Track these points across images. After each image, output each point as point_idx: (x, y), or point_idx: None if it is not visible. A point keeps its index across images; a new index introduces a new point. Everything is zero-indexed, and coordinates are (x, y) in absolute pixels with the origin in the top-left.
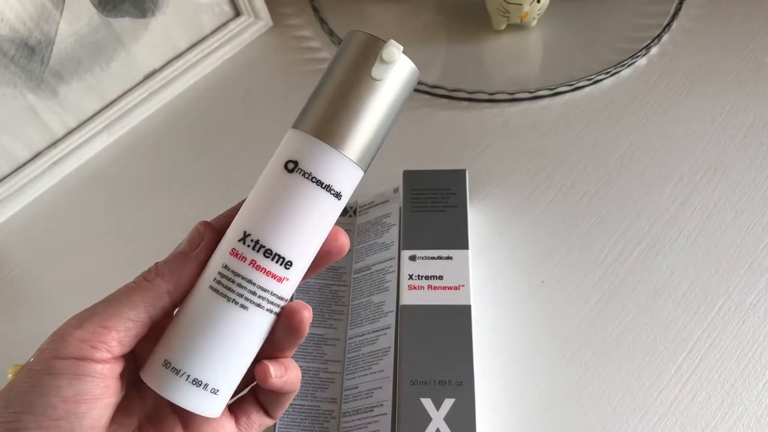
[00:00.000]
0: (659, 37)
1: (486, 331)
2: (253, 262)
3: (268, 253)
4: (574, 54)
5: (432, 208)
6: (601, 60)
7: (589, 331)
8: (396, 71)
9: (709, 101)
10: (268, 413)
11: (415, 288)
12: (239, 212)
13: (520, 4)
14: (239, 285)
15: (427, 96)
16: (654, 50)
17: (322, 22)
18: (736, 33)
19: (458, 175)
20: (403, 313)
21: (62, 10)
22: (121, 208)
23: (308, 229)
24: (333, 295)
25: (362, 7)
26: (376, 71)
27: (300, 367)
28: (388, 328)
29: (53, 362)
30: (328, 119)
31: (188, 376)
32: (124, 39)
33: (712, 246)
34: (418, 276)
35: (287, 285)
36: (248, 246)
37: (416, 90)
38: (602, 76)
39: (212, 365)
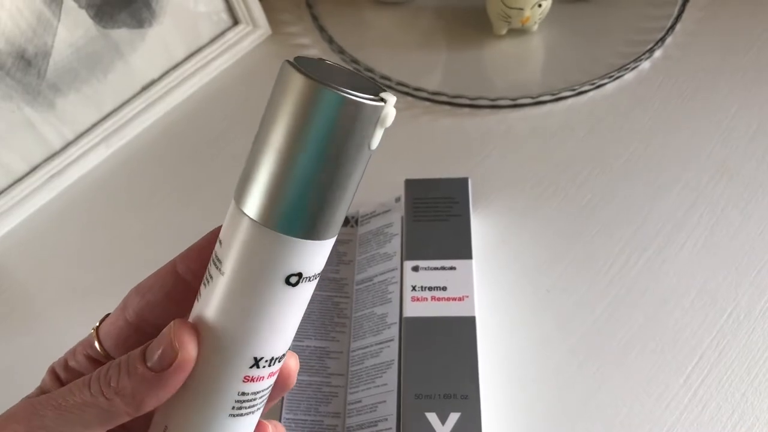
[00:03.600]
0: (663, 39)
1: (491, 343)
2: (270, 374)
3: (278, 361)
4: (576, 58)
5: (435, 218)
6: (604, 64)
7: (596, 340)
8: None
9: (714, 104)
10: None
11: (418, 299)
12: (233, 335)
13: (522, 9)
14: (260, 397)
15: (427, 103)
16: (657, 53)
17: (321, 29)
18: (740, 34)
19: (461, 184)
20: (407, 325)
21: (59, 21)
22: (119, 220)
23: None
24: (335, 307)
25: (361, 14)
26: (374, 141)
27: (303, 381)
28: (392, 340)
29: None
30: (322, 220)
31: None
32: (121, 50)
33: (720, 252)
34: (422, 287)
35: None
36: (263, 368)
37: (417, 97)
38: (605, 81)
39: None
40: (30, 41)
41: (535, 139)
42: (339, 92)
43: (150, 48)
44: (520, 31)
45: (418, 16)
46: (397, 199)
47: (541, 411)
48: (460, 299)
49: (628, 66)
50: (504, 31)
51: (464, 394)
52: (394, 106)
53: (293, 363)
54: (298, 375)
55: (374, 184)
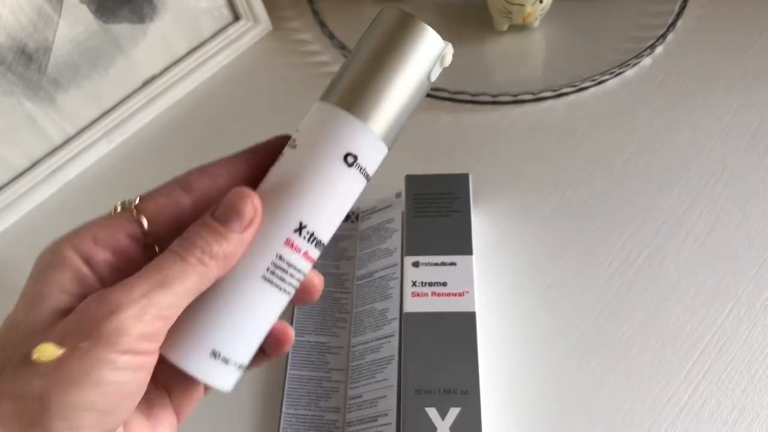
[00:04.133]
0: (664, 36)
1: (491, 338)
2: (306, 254)
3: (319, 245)
4: (577, 54)
5: (435, 213)
6: (606, 60)
7: (596, 337)
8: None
9: (715, 101)
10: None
11: (418, 295)
12: (289, 196)
13: (523, 5)
14: (291, 275)
15: (428, 99)
16: (659, 50)
17: (322, 25)
18: (741, 31)
19: (461, 179)
20: (407, 320)
21: (60, 16)
22: None
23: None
24: (336, 303)
25: (362, 10)
26: (433, 74)
27: (303, 376)
28: (392, 335)
29: (114, 357)
30: (386, 117)
31: (239, 365)
32: (122, 45)
33: (721, 249)
34: (422, 282)
35: None
36: (303, 238)
37: None
38: (606, 77)
39: (253, 348)
40: (31, 36)
41: (536, 135)
42: (419, 22)
43: (151, 43)
44: (521, 27)
45: (419, 12)
46: (398, 195)
47: (541, 406)
48: (460, 295)
49: (629, 62)
50: (505, 27)
51: (464, 389)
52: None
53: (317, 279)
54: (299, 370)
55: (375, 179)
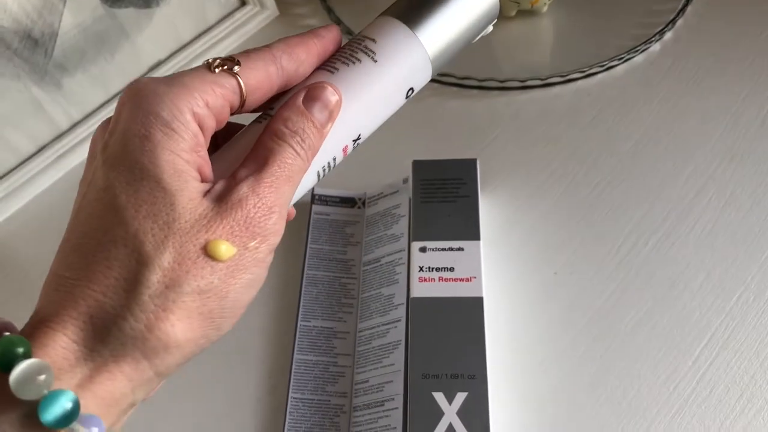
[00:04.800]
0: (673, 22)
1: (498, 324)
2: (344, 154)
3: (357, 145)
4: (585, 40)
5: (442, 199)
6: (614, 46)
7: (604, 323)
8: None
9: (724, 87)
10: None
11: (425, 280)
12: (359, 110)
13: None
14: (330, 168)
15: (436, 84)
16: (668, 35)
17: (329, 10)
18: (751, 17)
19: (469, 165)
20: (414, 305)
21: (66, 1)
22: None
23: None
24: (342, 288)
25: None
26: (489, 29)
27: (309, 360)
28: (399, 320)
29: (270, 257)
30: (444, 62)
31: None
32: (128, 30)
33: (730, 235)
34: (429, 268)
35: None
36: (354, 146)
37: None
38: (615, 63)
39: None
40: (37, 20)
41: (543, 121)
42: None
43: (157, 28)
44: (529, 13)
45: None
46: (405, 180)
47: (548, 392)
48: (467, 280)
49: (637, 48)
50: (513, 13)
51: (471, 374)
52: None
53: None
54: (305, 355)
55: (382, 165)
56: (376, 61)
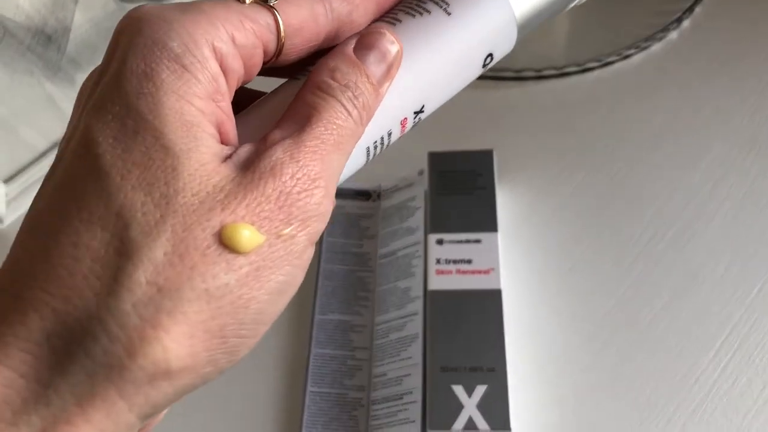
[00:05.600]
0: (691, 9)
1: (517, 316)
2: (403, 133)
3: (413, 126)
4: (602, 29)
5: (459, 191)
6: (631, 35)
7: (623, 315)
8: None
9: (743, 75)
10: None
11: (443, 273)
12: (426, 72)
13: None
14: (384, 149)
15: None
16: (685, 23)
17: None
18: None
19: (485, 156)
20: (432, 298)
21: None
22: None
23: None
24: (359, 281)
25: None
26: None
27: (326, 354)
28: (416, 314)
29: (311, 248)
30: (531, 28)
31: None
32: None
33: (750, 225)
34: (446, 260)
35: None
36: (414, 120)
37: None
38: (632, 51)
39: None
40: (49, 16)
41: (560, 111)
42: None
43: None
44: None
45: None
46: (420, 173)
47: (567, 385)
48: (485, 272)
49: (655, 36)
50: None
51: (491, 366)
52: None
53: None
54: (323, 349)
55: (397, 158)
56: (449, 14)
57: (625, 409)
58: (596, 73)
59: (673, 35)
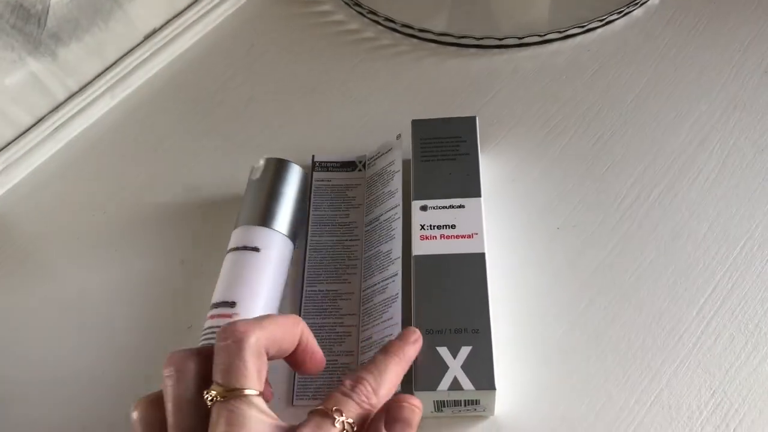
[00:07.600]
0: None
1: (502, 279)
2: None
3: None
4: None
5: (442, 157)
6: (613, 0)
7: (608, 275)
8: None
9: (725, 37)
10: None
11: (427, 238)
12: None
13: None
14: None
15: (434, 45)
16: None
17: None
18: None
19: (468, 122)
20: (416, 262)
21: None
22: (126, 170)
23: None
24: (346, 251)
25: None
26: None
27: (316, 323)
28: (395, 275)
29: None
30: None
31: None
32: None
33: (733, 185)
34: (430, 226)
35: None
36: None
37: (423, 39)
38: (614, 17)
39: None
40: None
41: (543, 77)
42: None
43: None
44: None
45: None
46: (398, 136)
47: (552, 344)
48: (469, 236)
49: (637, 1)
50: None
51: (475, 328)
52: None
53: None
54: (312, 319)
55: (382, 126)
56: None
57: (611, 366)
58: (579, 39)
59: (655, 0)
